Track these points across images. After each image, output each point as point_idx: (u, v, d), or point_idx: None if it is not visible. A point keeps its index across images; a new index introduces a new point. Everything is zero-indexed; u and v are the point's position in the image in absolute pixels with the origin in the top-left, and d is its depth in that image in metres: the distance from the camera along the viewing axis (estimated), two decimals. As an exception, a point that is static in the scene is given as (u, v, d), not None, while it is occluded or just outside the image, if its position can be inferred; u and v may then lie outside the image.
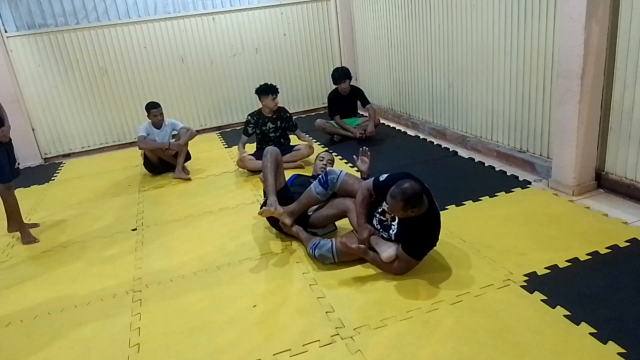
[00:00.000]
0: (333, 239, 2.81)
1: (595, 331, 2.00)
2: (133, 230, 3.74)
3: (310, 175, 3.62)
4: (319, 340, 2.17)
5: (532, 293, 2.31)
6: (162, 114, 4.94)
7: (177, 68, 6.72)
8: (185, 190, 4.55)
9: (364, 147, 3.30)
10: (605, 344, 1.94)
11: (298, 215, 3.06)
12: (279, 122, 4.82)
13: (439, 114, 5.26)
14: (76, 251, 3.48)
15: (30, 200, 4.77)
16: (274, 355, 2.12)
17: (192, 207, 4.04)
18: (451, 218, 3.20)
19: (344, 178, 2.91)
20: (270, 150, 3.21)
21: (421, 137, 5.40)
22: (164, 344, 2.30)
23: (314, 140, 5.44)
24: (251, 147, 5.11)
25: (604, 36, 3.08)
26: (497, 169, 4.06)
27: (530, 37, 3.71)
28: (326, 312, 2.37)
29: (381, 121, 5.86)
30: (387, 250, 2.55)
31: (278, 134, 4.85)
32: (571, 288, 2.32)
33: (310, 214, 3.12)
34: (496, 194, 3.53)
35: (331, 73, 5.56)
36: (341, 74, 5.39)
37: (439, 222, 2.57)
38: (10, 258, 3.49)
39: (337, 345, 2.13)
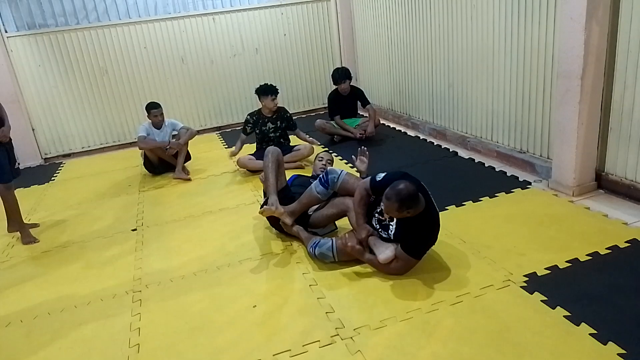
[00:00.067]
0: (333, 238, 2.81)
1: (596, 332, 2.00)
2: (133, 230, 3.74)
3: (310, 175, 3.62)
4: (319, 341, 2.17)
5: (532, 294, 2.31)
6: (162, 114, 4.94)
7: (177, 68, 6.72)
8: (186, 190, 4.55)
9: (362, 147, 3.30)
10: (605, 344, 1.94)
11: (299, 215, 3.07)
12: (279, 122, 4.83)
13: (439, 115, 5.26)
14: (76, 251, 3.48)
15: (31, 200, 4.77)
16: (274, 355, 2.12)
17: (192, 208, 4.04)
18: (451, 218, 3.20)
19: (345, 177, 2.92)
20: (272, 150, 3.22)
21: (421, 138, 5.40)
22: (164, 344, 2.30)
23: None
24: (251, 148, 5.12)
25: (604, 37, 3.08)
26: (497, 170, 4.06)
27: (530, 38, 3.71)
28: (326, 313, 2.37)
29: (381, 121, 5.86)
30: (385, 252, 2.55)
31: (278, 134, 4.86)
32: (571, 289, 2.32)
33: (310, 213, 3.12)
34: (496, 194, 3.53)
35: (331, 73, 5.56)
36: (341, 74, 5.40)
37: (438, 220, 2.56)
38: (10, 258, 3.49)
39: (337, 346, 2.12)
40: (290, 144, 4.96)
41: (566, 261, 2.54)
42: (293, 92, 7.34)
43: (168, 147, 4.84)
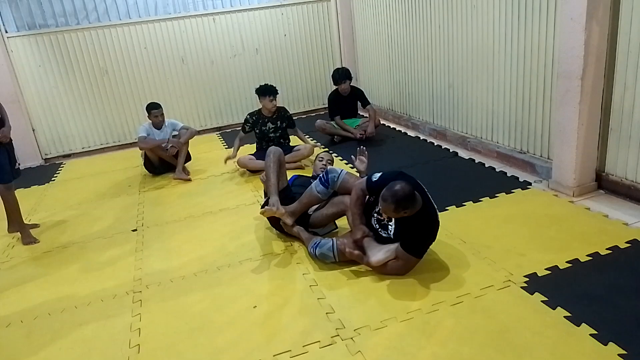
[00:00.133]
0: (334, 238, 2.81)
1: (596, 332, 2.00)
2: (133, 230, 3.74)
3: (310, 175, 3.62)
4: (319, 341, 2.17)
5: (532, 294, 2.31)
6: (162, 114, 4.94)
7: (177, 68, 6.72)
8: (186, 190, 4.55)
9: (362, 147, 3.30)
10: (605, 345, 1.94)
11: (299, 215, 3.07)
12: (279, 122, 4.83)
13: (439, 115, 5.26)
14: (76, 252, 3.48)
15: (31, 200, 4.78)
16: (274, 356, 2.12)
17: (193, 208, 4.04)
18: (451, 219, 3.20)
19: (345, 177, 2.92)
20: (274, 150, 3.21)
21: (421, 138, 5.40)
22: (164, 344, 2.30)
23: (314, 141, 5.43)
24: (251, 148, 5.12)
25: (604, 37, 3.08)
26: (497, 170, 4.06)
27: (530, 38, 3.71)
28: (326, 313, 2.37)
29: (381, 122, 5.86)
30: (377, 254, 2.55)
31: (278, 134, 4.86)
32: (572, 289, 2.32)
33: (310, 213, 3.12)
34: (496, 194, 3.53)
35: (331, 74, 5.56)
36: (341, 75, 5.40)
37: (436, 218, 2.56)
38: (10, 259, 3.50)
39: (337, 346, 2.13)
40: (290, 144, 4.96)
41: (566, 261, 2.54)
42: (293, 92, 7.34)
43: (168, 145, 4.84)
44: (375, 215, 2.68)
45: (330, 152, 4.97)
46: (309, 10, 7.08)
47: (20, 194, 4.06)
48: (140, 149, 4.94)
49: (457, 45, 4.66)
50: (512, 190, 3.58)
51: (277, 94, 4.74)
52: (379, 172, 2.64)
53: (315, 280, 2.68)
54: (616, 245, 2.64)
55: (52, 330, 2.53)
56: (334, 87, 5.52)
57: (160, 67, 6.64)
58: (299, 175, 3.65)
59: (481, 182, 3.86)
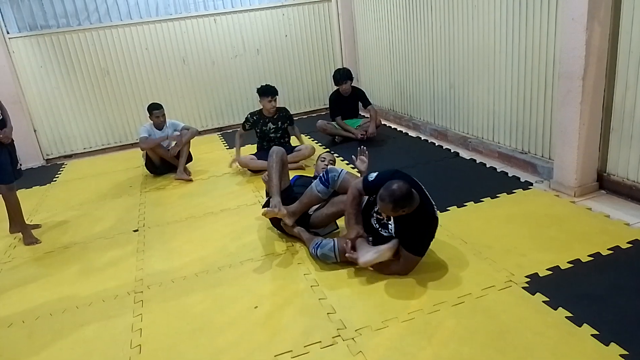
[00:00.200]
0: (335, 239, 2.81)
1: (598, 333, 2.00)
2: (135, 231, 3.74)
3: (312, 175, 3.62)
4: (320, 342, 2.17)
5: (533, 294, 2.31)
6: (164, 115, 4.95)
7: (178, 69, 6.73)
8: (187, 191, 4.55)
9: (362, 147, 3.30)
10: (607, 345, 1.93)
11: (300, 215, 3.06)
12: (279, 123, 4.83)
13: (440, 115, 5.26)
14: (78, 252, 3.49)
15: (32, 201, 4.78)
16: (275, 356, 2.12)
17: (194, 208, 4.04)
18: (452, 219, 3.20)
19: (345, 176, 2.92)
20: (277, 150, 3.21)
21: (422, 138, 5.40)
22: (166, 345, 2.30)
23: (315, 142, 5.44)
24: (252, 148, 5.12)
25: (606, 37, 3.08)
26: (498, 170, 4.06)
27: (531, 38, 3.70)
28: (327, 314, 2.37)
29: (382, 122, 5.86)
30: (365, 255, 2.55)
31: (279, 134, 4.86)
32: (573, 289, 2.32)
33: (311, 213, 3.12)
34: (498, 195, 3.53)
35: (332, 74, 5.56)
36: (342, 75, 5.40)
37: (434, 215, 2.55)
38: (12, 259, 3.50)
39: (338, 347, 2.13)
40: (291, 144, 4.96)
41: (568, 262, 2.54)
42: (294, 92, 7.35)
43: (169, 142, 4.84)
44: (375, 214, 2.68)
45: (332, 152, 4.97)
46: (310, 10, 7.09)
47: (21, 194, 4.06)
48: (142, 150, 4.94)
49: (458, 46, 4.66)
50: (514, 191, 3.57)
51: (277, 94, 4.73)
52: (375, 172, 2.65)
53: (316, 281, 2.68)
54: (617, 246, 2.64)
55: (54, 330, 2.53)
56: (335, 88, 5.52)
57: (162, 68, 6.65)
58: (301, 175, 3.65)
59: (482, 182, 3.85)
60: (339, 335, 2.19)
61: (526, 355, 1.94)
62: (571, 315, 2.13)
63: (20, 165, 3.98)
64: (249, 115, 4.84)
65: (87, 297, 2.82)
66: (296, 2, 6.97)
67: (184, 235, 3.55)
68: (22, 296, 2.95)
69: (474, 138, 4.70)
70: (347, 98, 5.52)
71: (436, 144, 5.09)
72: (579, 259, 2.56)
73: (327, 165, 3.58)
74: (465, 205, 3.42)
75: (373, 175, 2.63)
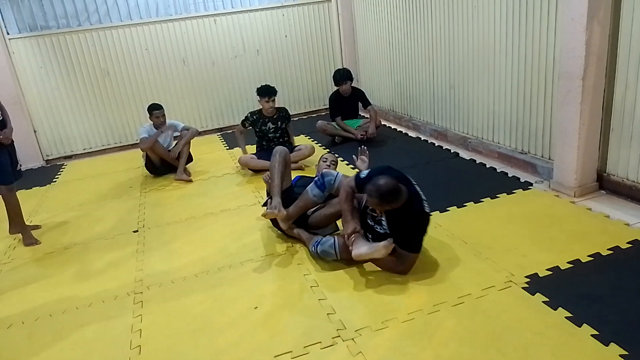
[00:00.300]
0: (335, 236, 2.81)
1: (598, 333, 2.00)
2: (134, 231, 3.74)
3: (314, 176, 3.61)
4: (320, 342, 2.17)
5: (533, 295, 2.31)
6: (164, 115, 4.95)
7: (178, 70, 6.73)
8: (187, 191, 4.55)
9: (363, 147, 3.30)
10: (607, 345, 1.93)
11: (295, 218, 3.06)
12: (279, 123, 4.83)
13: (440, 116, 5.26)
14: (78, 253, 3.49)
15: (32, 202, 4.78)
16: (275, 357, 2.12)
17: (194, 209, 4.04)
18: (452, 219, 3.20)
19: (342, 179, 2.92)
20: (280, 150, 3.20)
21: (422, 139, 5.40)
22: (165, 345, 2.30)
23: (315, 142, 5.44)
24: (251, 148, 5.12)
25: (606, 37, 3.08)
26: (498, 171, 4.06)
27: (531, 39, 3.70)
28: (327, 314, 2.37)
29: (382, 122, 5.86)
30: (359, 249, 2.55)
31: (278, 134, 4.86)
32: (573, 290, 2.32)
33: (309, 214, 3.11)
34: (497, 195, 3.53)
35: (332, 74, 5.56)
36: (342, 76, 5.40)
37: (423, 209, 2.54)
38: (12, 260, 3.50)
39: (338, 347, 2.12)
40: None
41: (568, 262, 2.54)
42: (294, 93, 7.35)
43: (163, 135, 4.91)
44: (370, 212, 2.69)
45: (332, 152, 4.97)
46: (309, 11, 7.09)
47: (21, 195, 4.06)
48: (142, 150, 4.94)
49: (458, 46, 4.66)
50: (514, 191, 3.57)
51: (275, 94, 4.73)
52: (367, 170, 2.68)
53: (316, 281, 2.68)
54: (617, 246, 2.64)
55: (54, 331, 2.53)
56: (335, 88, 5.52)
57: (162, 68, 6.65)
58: (303, 175, 3.64)
59: (482, 182, 3.85)
60: (339, 336, 2.19)
61: (526, 356, 1.93)
62: (571, 315, 2.13)
63: (20, 166, 3.98)
64: (249, 114, 4.85)
65: (87, 298, 2.82)
66: (296, 3, 6.97)
67: (184, 235, 3.55)
68: (21, 297, 2.94)
69: (473, 138, 4.70)
70: (347, 98, 5.52)
71: (436, 144, 5.09)
72: (578, 259, 2.56)
73: (329, 166, 3.58)
74: (465, 206, 3.42)
75: (365, 172, 2.66)
